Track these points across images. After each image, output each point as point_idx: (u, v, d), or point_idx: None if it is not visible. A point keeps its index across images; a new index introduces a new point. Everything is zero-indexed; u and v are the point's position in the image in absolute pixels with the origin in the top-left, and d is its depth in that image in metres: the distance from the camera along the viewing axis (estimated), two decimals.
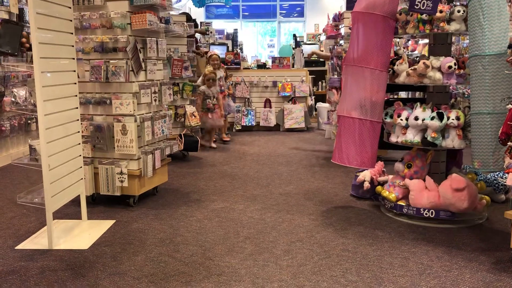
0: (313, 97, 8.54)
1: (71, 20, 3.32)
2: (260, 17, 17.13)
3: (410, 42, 7.30)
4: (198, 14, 15.16)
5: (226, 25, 14.70)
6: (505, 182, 2.69)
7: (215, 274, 2.69)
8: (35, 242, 3.20)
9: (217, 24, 14.42)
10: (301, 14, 16.76)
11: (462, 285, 2.57)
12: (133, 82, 3.75)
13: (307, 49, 10.32)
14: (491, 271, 2.72)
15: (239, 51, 9.53)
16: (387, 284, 2.56)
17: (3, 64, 5.14)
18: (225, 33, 11.67)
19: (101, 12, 3.71)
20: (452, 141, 3.37)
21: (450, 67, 3.30)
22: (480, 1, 3.05)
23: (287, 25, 17.07)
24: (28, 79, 5.26)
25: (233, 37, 10.39)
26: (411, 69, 3.41)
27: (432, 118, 3.34)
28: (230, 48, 9.68)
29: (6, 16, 5.37)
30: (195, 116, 5.66)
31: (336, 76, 5.94)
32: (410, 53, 7.42)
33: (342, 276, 2.67)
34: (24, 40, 2.02)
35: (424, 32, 3.39)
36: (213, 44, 9.78)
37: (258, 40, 17.41)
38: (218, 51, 9.59)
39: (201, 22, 10.43)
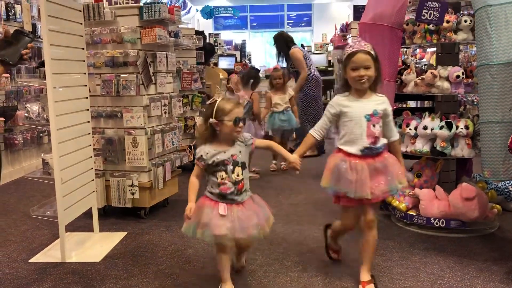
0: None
1: (82, 36, 3.39)
2: (268, 27, 17.25)
3: (418, 50, 7.31)
4: (207, 25, 15.31)
5: (234, 36, 14.83)
6: None
7: None
8: (48, 254, 3.24)
9: (225, 35, 14.54)
10: (308, 23, 16.85)
11: None
12: (144, 95, 3.80)
13: (315, 58, 10.35)
14: (503, 281, 2.70)
15: (247, 61, 9.60)
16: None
17: (17, 80, 5.24)
18: (233, 44, 11.77)
19: (112, 27, 3.77)
20: (462, 150, 3.37)
21: (458, 76, 3.31)
22: (487, 10, 3.06)
23: (294, 34, 17.14)
24: (40, 95, 5.35)
25: (241, 47, 10.46)
26: (419, 79, 3.42)
27: (441, 128, 3.35)
28: (239, 59, 9.75)
29: None
30: None
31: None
32: (418, 61, 7.43)
33: (353, 287, 2.67)
34: (25, 51, 2.09)
35: (431, 42, 3.41)
36: (221, 55, 9.87)
37: (266, 49, 17.52)
38: (227, 62, 9.69)
39: (209, 34, 10.53)
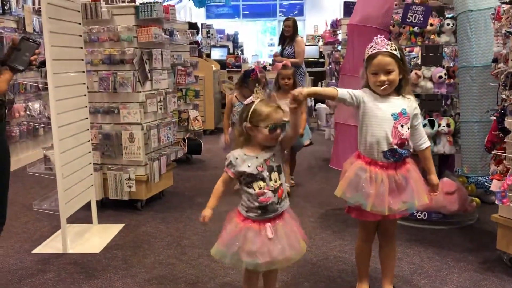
0: (312, 98, 8.69)
1: (80, 36, 3.51)
2: (260, 16, 17.29)
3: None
4: (199, 14, 15.32)
5: (226, 25, 14.87)
6: (490, 187, 2.87)
7: (221, 276, 2.88)
8: (50, 246, 3.39)
9: (217, 23, 14.59)
10: (300, 12, 16.89)
11: (451, 284, 2.76)
12: (140, 92, 3.93)
13: (307, 49, 10.48)
14: (478, 271, 2.91)
15: (239, 53, 9.69)
16: (380, 284, 2.75)
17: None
18: (226, 34, 11.83)
19: (109, 26, 3.89)
20: (443, 147, 3.56)
21: (440, 77, 3.48)
22: (467, 15, 3.23)
23: None
24: (42, 93, 5.50)
25: (234, 38, 10.54)
26: None
27: (424, 125, 3.52)
28: (231, 50, 9.84)
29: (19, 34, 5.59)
30: (198, 120, 5.85)
31: (334, 81, 6.12)
32: (408, 53, 7.60)
33: (338, 276, 2.87)
34: (34, 57, 2.26)
35: (415, 44, 3.57)
36: (214, 46, 9.95)
37: (258, 38, 17.59)
38: (219, 53, 9.79)
39: (202, 24, 10.59)
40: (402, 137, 2.31)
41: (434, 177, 2.43)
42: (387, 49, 2.27)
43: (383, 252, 2.58)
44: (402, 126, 2.32)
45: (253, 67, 4.51)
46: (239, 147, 2.24)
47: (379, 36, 2.36)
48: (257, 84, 3.97)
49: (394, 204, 2.31)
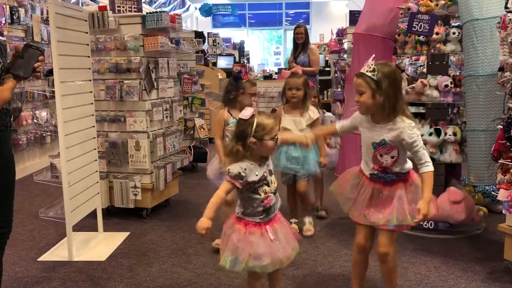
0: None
1: (88, 45, 3.54)
2: (266, 25, 17.40)
3: None
4: (205, 23, 15.43)
5: (232, 34, 14.96)
6: (497, 197, 2.86)
7: (225, 285, 2.87)
8: (56, 254, 3.40)
9: (223, 32, 14.67)
10: (306, 21, 16.98)
11: None
12: (146, 100, 3.95)
13: None
14: (485, 281, 2.88)
15: (245, 61, 9.72)
16: None
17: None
18: (232, 42, 11.89)
19: (116, 35, 3.92)
20: (450, 155, 3.54)
21: (446, 85, 3.48)
22: (473, 24, 3.22)
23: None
24: (49, 101, 5.54)
25: (240, 47, 10.58)
26: (410, 88, 3.58)
27: (430, 134, 3.51)
28: (237, 59, 9.87)
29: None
30: (203, 129, 5.86)
31: (339, 89, 6.12)
32: (414, 62, 7.60)
33: (344, 286, 2.85)
34: (37, 64, 2.23)
35: (421, 52, 3.57)
36: (220, 54, 10.00)
37: (264, 46, 17.68)
38: (225, 61, 9.83)
39: (208, 33, 10.66)
40: (382, 165, 2.35)
41: (421, 202, 2.22)
42: (363, 70, 2.24)
43: (381, 270, 2.55)
44: (381, 155, 2.33)
45: (237, 69, 3.93)
46: (234, 162, 2.20)
47: (371, 58, 2.27)
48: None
49: (372, 215, 2.37)
